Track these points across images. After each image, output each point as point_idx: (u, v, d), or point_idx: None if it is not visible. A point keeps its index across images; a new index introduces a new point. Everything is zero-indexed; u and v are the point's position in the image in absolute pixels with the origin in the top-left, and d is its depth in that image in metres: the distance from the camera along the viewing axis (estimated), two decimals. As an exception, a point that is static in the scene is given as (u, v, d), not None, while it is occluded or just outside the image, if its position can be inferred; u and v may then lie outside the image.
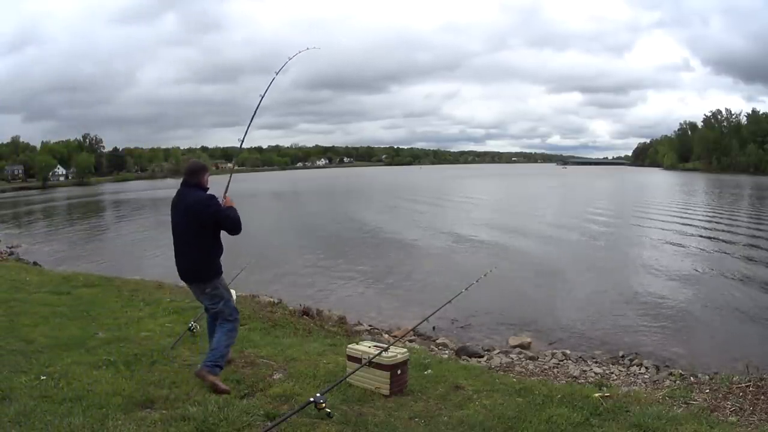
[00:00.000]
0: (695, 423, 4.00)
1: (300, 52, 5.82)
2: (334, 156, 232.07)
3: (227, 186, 4.85)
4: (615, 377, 7.34)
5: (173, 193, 4.74)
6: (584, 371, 7.58)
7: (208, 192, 4.63)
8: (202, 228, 4.47)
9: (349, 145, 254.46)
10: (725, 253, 17.98)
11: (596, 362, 8.12)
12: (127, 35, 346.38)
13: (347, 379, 4.50)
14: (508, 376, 6.26)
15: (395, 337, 8.63)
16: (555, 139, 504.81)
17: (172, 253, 4.65)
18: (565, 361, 8.20)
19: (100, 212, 45.28)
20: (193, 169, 4.68)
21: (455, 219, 30.20)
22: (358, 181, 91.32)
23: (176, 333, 6.07)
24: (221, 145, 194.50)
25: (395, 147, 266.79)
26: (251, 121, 5.52)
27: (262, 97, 5.36)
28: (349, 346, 4.95)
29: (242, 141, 5.64)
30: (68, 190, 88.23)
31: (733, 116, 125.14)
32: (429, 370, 5.40)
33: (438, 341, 9.26)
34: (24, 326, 6.11)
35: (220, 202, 4.58)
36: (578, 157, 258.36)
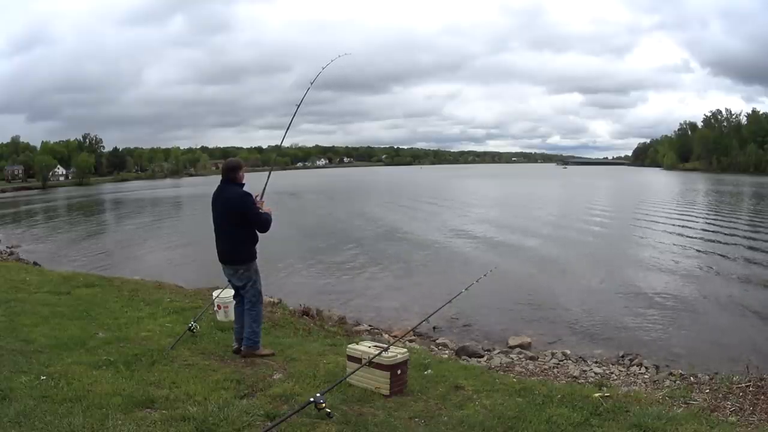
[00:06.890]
0: (695, 423, 3.99)
1: (332, 60, 6.29)
2: (334, 156, 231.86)
3: (264, 188, 5.46)
4: (615, 377, 7.34)
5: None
6: (584, 371, 7.59)
7: (244, 187, 5.29)
8: (238, 220, 5.16)
9: (349, 145, 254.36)
10: (725, 252, 17.98)
11: (596, 362, 8.13)
12: (135, 36, 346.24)
13: (347, 379, 4.50)
14: (508, 376, 6.25)
15: (395, 337, 8.63)
16: (555, 140, 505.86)
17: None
18: (565, 361, 8.20)
19: (100, 212, 45.29)
20: (230, 166, 5.39)
21: (455, 219, 30.20)
22: (358, 180, 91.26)
23: (176, 333, 6.06)
24: (221, 145, 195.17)
25: (395, 147, 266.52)
26: (288, 126, 6.15)
27: (298, 107, 6.03)
28: (349, 346, 4.94)
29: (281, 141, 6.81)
30: (68, 190, 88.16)
31: (733, 116, 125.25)
32: (429, 370, 5.39)
33: (438, 341, 9.27)
34: (24, 326, 6.10)
35: (257, 201, 5.21)
36: (578, 157, 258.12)
